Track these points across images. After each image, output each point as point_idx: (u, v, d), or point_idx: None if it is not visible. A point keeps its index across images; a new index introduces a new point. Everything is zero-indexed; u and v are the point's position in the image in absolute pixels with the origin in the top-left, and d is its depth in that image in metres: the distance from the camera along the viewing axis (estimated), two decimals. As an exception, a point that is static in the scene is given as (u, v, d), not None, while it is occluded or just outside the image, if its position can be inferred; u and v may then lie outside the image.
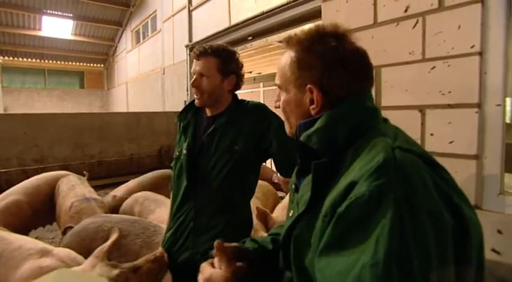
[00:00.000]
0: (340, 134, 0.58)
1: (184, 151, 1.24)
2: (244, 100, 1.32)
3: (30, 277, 1.42)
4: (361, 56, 0.63)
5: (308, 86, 0.62)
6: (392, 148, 0.51)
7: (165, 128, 7.15)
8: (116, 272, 1.15)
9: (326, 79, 0.61)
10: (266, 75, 10.12)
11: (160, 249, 1.28)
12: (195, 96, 1.24)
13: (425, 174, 0.49)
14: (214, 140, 1.21)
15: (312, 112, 0.63)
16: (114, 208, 3.07)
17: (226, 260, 0.63)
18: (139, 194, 2.96)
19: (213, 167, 1.20)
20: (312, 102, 0.62)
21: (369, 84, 0.65)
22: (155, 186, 3.45)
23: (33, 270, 1.49)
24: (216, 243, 0.63)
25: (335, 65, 0.60)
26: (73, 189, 2.99)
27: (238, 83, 1.27)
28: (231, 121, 1.22)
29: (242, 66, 1.28)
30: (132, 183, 3.67)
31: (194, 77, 1.22)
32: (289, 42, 0.66)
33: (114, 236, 1.32)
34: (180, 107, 5.59)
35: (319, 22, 4.01)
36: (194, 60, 1.23)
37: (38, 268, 1.48)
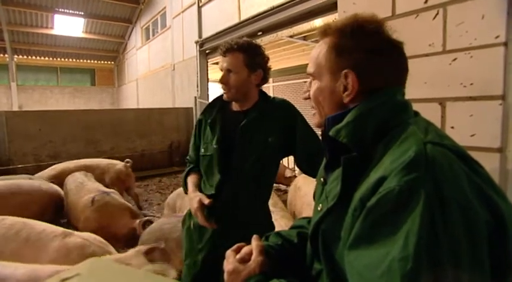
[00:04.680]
0: (370, 128, 0.57)
1: (214, 146, 1.24)
2: (270, 95, 1.34)
3: (60, 255, 1.56)
4: (397, 47, 0.62)
5: (344, 71, 0.61)
6: (423, 143, 0.50)
7: (176, 124, 7.22)
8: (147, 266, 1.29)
9: (364, 64, 0.60)
10: (276, 71, 10.08)
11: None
12: (223, 91, 1.26)
13: (457, 168, 0.48)
14: (248, 133, 1.22)
15: (345, 100, 0.62)
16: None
17: (258, 251, 0.66)
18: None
19: (247, 159, 1.22)
20: (345, 89, 0.62)
21: (404, 77, 0.64)
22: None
23: (60, 249, 1.61)
24: (255, 236, 0.73)
25: (375, 52, 0.60)
26: (82, 186, 3.05)
27: (266, 77, 1.29)
28: (263, 115, 1.24)
29: (268, 59, 1.29)
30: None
31: (222, 73, 1.23)
32: (326, 31, 0.65)
33: (157, 245, 1.53)
34: (190, 103, 5.59)
35: (330, 16, 3.93)
36: (221, 57, 1.25)
37: (64, 247, 1.57)
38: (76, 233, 1.89)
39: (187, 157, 1.44)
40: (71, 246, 1.69)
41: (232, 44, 1.21)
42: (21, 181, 3.22)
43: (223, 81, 1.22)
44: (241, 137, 1.22)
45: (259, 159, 1.22)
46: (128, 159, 4.28)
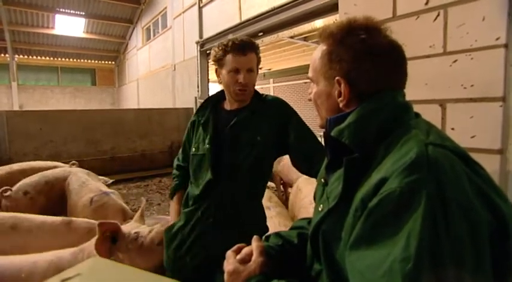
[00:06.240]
0: (372, 129, 0.58)
1: (207, 146, 1.23)
2: (263, 94, 1.32)
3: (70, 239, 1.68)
4: (394, 50, 0.62)
5: (336, 78, 0.62)
6: (425, 144, 0.50)
7: (176, 124, 7.22)
8: (139, 229, 1.45)
9: (354, 72, 0.60)
10: (276, 72, 10.08)
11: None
12: (238, 91, 1.20)
13: (459, 169, 0.48)
14: (238, 132, 1.21)
15: (340, 105, 0.63)
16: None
17: (258, 252, 0.67)
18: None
19: (237, 158, 1.20)
20: (340, 94, 0.63)
21: (402, 79, 0.64)
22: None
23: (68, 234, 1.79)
24: (255, 237, 0.73)
25: (363, 58, 0.60)
26: (85, 185, 3.02)
27: None
28: (254, 113, 1.23)
29: None
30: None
31: (242, 73, 1.18)
32: (322, 35, 0.66)
33: (143, 204, 1.70)
34: (190, 104, 5.56)
35: (332, 17, 3.93)
36: (236, 55, 1.17)
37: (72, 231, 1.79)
38: (74, 218, 1.97)
39: (176, 158, 1.45)
40: (79, 230, 1.83)
41: (249, 43, 1.18)
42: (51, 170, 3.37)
43: (247, 80, 1.18)
44: (230, 139, 1.21)
45: (250, 158, 1.20)
46: (73, 161, 3.94)
